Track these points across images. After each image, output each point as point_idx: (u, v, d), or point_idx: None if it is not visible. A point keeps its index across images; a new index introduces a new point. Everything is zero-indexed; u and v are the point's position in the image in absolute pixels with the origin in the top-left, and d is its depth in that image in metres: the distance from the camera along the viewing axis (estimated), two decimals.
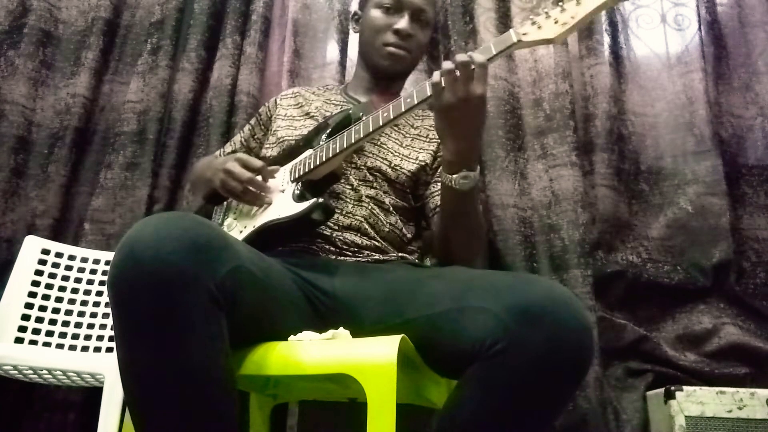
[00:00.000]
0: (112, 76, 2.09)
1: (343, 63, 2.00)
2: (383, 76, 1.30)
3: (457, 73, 0.92)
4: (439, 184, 1.07)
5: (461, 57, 0.92)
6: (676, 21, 1.98)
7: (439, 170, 1.17)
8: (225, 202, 1.26)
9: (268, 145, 1.28)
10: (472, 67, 0.92)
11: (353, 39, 2.03)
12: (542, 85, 1.90)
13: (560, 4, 0.96)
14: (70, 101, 2.00)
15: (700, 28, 1.89)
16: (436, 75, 0.95)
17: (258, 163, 1.11)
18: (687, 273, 1.70)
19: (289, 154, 1.19)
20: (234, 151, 1.38)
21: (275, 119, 1.31)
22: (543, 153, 1.83)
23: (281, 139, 1.24)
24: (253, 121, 1.40)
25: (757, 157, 1.80)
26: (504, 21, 1.95)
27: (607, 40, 1.93)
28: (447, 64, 0.93)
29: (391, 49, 1.24)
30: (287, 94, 1.38)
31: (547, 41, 0.97)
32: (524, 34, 0.97)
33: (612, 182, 1.80)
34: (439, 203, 1.12)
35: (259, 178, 1.12)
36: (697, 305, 1.69)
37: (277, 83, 2.06)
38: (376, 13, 1.26)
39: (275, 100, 1.37)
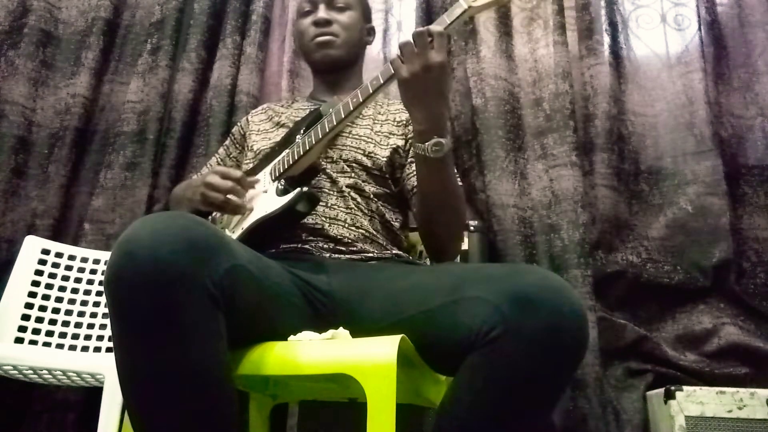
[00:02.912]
0: (112, 76, 2.09)
1: None
2: (329, 70, 1.34)
3: (413, 45, 0.97)
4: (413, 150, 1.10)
5: (416, 30, 0.98)
6: (676, 21, 1.98)
7: (411, 151, 1.21)
8: (209, 217, 1.27)
9: (247, 160, 1.30)
10: (429, 38, 0.96)
11: None
12: (542, 85, 1.90)
13: None
14: (70, 101, 2.00)
15: (700, 28, 1.89)
16: (394, 56, 1.00)
17: (237, 173, 1.12)
18: (687, 273, 1.70)
19: (267, 160, 1.21)
20: None
21: (249, 135, 1.35)
22: (543, 153, 1.83)
23: (258, 152, 1.27)
24: (227, 141, 1.44)
25: (757, 157, 1.80)
26: (504, 21, 1.96)
27: (607, 40, 1.93)
28: (403, 40, 0.98)
29: (318, 39, 1.30)
30: (257, 111, 1.42)
31: (498, 3, 1.02)
32: (473, 0, 1.02)
33: (612, 182, 1.80)
34: (416, 183, 1.14)
35: (240, 187, 1.12)
36: (697, 305, 1.69)
37: (277, 83, 2.07)
38: (298, 22, 1.36)
39: (247, 118, 1.42)
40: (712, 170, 1.74)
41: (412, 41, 0.97)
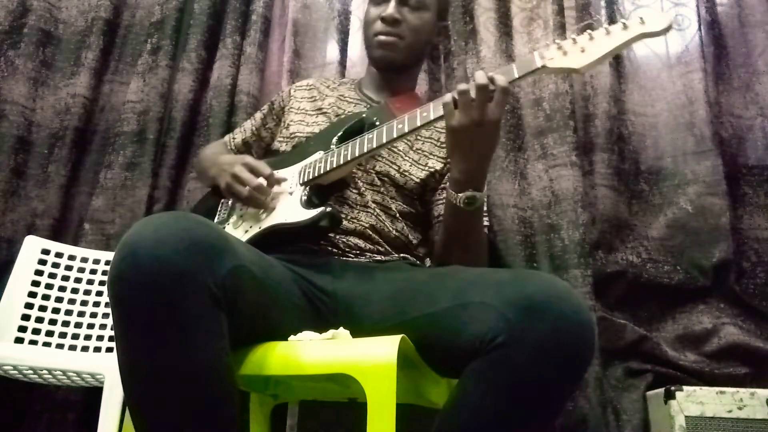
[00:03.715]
0: (112, 76, 2.09)
1: (343, 63, 2.00)
2: (385, 69, 1.27)
3: (473, 94, 0.89)
4: (445, 193, 1.05)
5: (480, 79, 0.89)
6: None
7: (446, 177, 1.15)
8: (228, 202, 1.26)
9: (281, 138, 1.26)
10: (491, 88, 0.89)
11: (353, 39, 2.03)
12: (542, 85, 1.89)
13: (589, 32, 0.93)
14: (70, 101, 2.00)
15: (700, 28, 1.89)
16: (448, 96, 0.93)
17: (267, 170, 1.10)
18: (687, 273, 1.70)
19: (299, 152, 1.18)
20: (244, 140, 1.37)
21: (288, 111, 1.30)
22: (543, 153, 1.83)
23: (293, 135, 1.23)
24: (265, 110, 1.38)
25: (757, 157, 1.80)
26: (504, 21, 1.96)
27: None
28: (463, 86, 0.90)
29: (380, 37, 1.22)
30: (302, 85, 1.35)
31: (572, 71, 0.93)
32: (550, 59, 0.94)
33: (612, 182, 1.80)
34: (442, 212, 1.12)
35: (265, 182, 1.11)
36: (697, 305, 1.69)
37: (277, 83, 2.06)
38: (368, 8, 1.27)
39: (289, 90, 1.35)
40: (712, 170, 1.74)
41: (471, 90, 0.89)
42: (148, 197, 1.89)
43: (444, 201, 1.08)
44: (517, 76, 0.93)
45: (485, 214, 1.12)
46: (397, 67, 1.26)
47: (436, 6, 1.27)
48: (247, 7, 2.11)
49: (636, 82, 1.92)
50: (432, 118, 0.98)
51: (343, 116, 1.22)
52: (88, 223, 1.87)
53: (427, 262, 1.35)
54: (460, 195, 0.97)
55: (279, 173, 1.15)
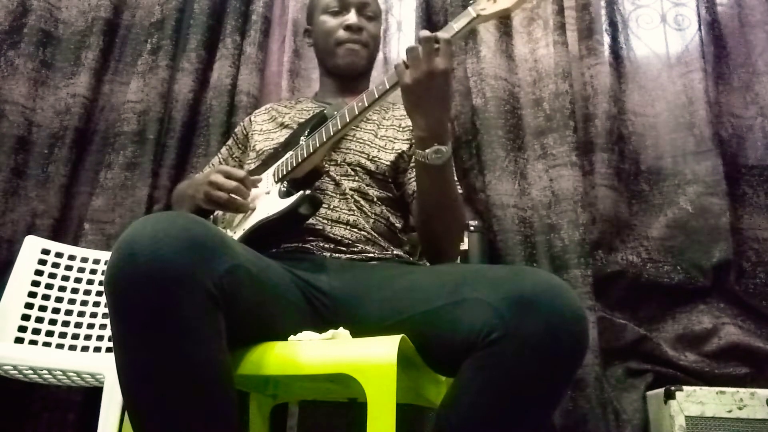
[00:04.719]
0: (112, 76, 2.09)
1: None
2: (347, 76, 1.33)
3: (420, 50, 0.96)
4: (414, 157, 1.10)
5: (424, 33, 0.97)
6: (676, 21, 1.98)
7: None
8: (211, 216, 1.27)
9: (249, 161, 1.30)
10: (435, 45, 0.96)
11: None
12: (542, 85, 1.90)
13: None
14: (70, 101, 2.00)
15: (700, 28, 1.89)
16: (399, 61, 1.00)
17: (241, 173, 1.13)
18: (687, 273, 1.70)
19: (269, 161, 1.20)
20: None
21: (252, 135, 1.34)
22: (543, 153, 1.83)
23: (261, 151, 1.27)
24: (230, 141, 1.43)
25: (757, 157, 1.80)
26: (504, 21, 1.96)
27: (607, 40, 1.93)
28: (411, 45, 0.98)
29: (348, 45, 1.29)
30: (260, 111, 1.42)
31: (504, 11, 1.03)
32: (482, 9, 1.03)
33: (612, 182, 1.80)
34: (416, 188, 1.14)
35: (243, 186, 1.12)
36: (697, 305, 1.69)
37: (277, 83, 2.07)
38: (325, 18, 1.32)
39: (250, 118, 1.41)
40: (712, 170, 1.74)
41: (418, 46, 0.97)
42: (148, 197, 1.89)
43: (416, 178, 1.11)
44: (456, 29, 1.02)
45: (457, 181, 1.15)
46: (359, 72, 1.34)
47: (381, 17, 1.39)
48: (247, 7, 2.11)
49: (636, 82, 1.92)
50: (388, 87, 1.04)
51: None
52: (88, 223, 1.87)
53: (427, 264, 1.35)
54: (427, 151, 1.00)
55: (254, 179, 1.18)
